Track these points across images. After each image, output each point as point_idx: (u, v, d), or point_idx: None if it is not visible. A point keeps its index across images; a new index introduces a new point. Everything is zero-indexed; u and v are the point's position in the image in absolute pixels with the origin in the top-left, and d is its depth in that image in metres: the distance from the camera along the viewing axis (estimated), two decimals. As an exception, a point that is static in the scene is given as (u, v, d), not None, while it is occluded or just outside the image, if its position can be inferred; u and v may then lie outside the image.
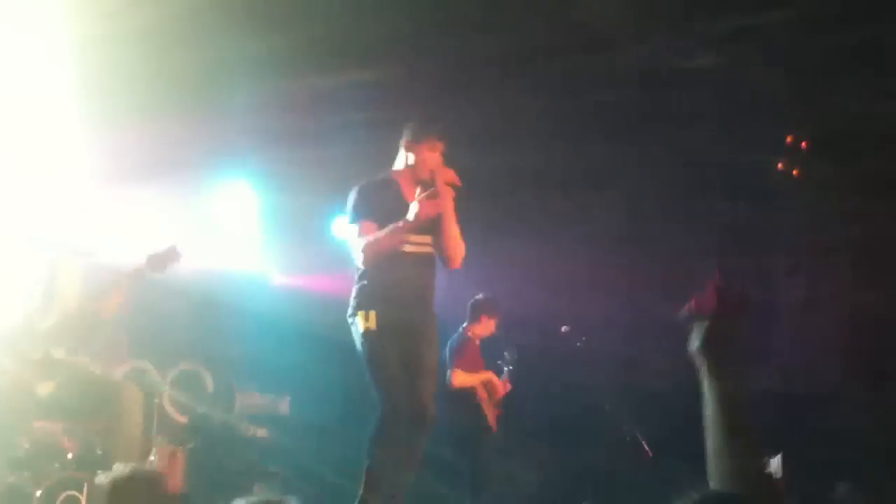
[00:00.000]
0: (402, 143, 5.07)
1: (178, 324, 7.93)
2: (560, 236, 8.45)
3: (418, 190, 4.93)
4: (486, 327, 7.25)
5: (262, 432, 7.98)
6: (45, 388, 4.43)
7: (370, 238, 4.80)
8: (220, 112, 7.07)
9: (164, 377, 7.91)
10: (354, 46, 6.47)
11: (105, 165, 6.62)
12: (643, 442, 7.40)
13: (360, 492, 4.66)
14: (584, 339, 7.73)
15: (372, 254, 4.80)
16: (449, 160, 5.02)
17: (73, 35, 5.78)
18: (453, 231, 4.94)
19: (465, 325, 7.28)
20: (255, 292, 8.62)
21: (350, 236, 4.91)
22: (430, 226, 4.91)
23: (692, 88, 6.81)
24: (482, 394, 7.16)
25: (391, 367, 4.77)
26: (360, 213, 4.88)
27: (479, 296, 7.34)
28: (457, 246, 4.97)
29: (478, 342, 7.26)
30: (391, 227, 4.79)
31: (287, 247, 8.62)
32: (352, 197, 4.98)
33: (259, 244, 8.35)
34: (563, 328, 7.75)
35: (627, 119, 7.31)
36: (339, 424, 8.10)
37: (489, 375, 7.22)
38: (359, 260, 4.84)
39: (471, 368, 7.08)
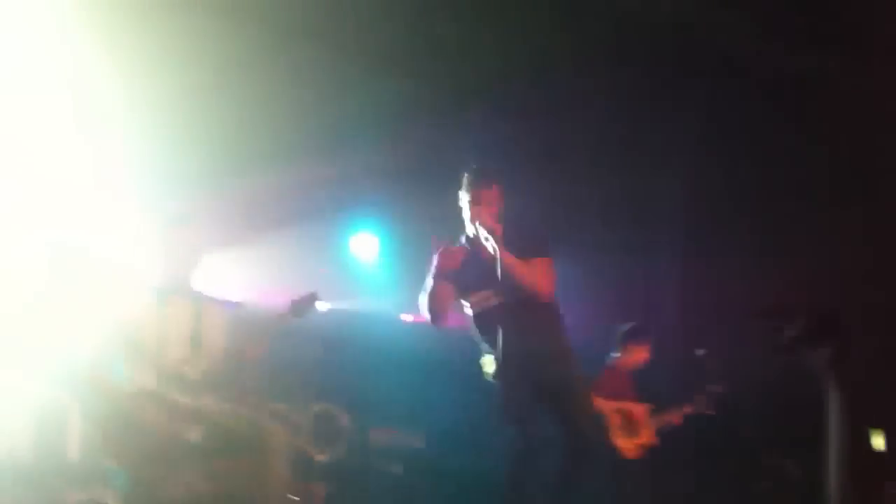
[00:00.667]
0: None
1: (311, 364, 8.11)
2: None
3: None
4: (633, 355, 7.29)
5: (397, 469, 8.07)
6: (194, 434, 4.51)
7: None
8: (348, 156, 7.23)
9: (301, 417, 8.11)
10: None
11: (236, 215, 6.94)
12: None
13: None
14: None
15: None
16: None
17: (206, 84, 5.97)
18: (517, 270, 4.88)
19: (613, 353, 7.35)
20: (386, 330, 8.77)
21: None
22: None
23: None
24: (614, 421, 7.08)
25: (520, 408, 4.83)
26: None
27: (627, 325, 7.36)
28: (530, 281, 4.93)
29: (626, 370, 7.28)
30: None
31: (412, 284, 8.73)
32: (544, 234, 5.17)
33: (386, 283, 8.45)
34: (699, 351, 7.60)
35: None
36: (472, 462, 8.09)
37: (627, 405, 7.12)
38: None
39: (611, 396, 7.06)
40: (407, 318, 8.92)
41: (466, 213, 5.01)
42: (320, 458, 7.93)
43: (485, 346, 5.05)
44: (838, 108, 6.79)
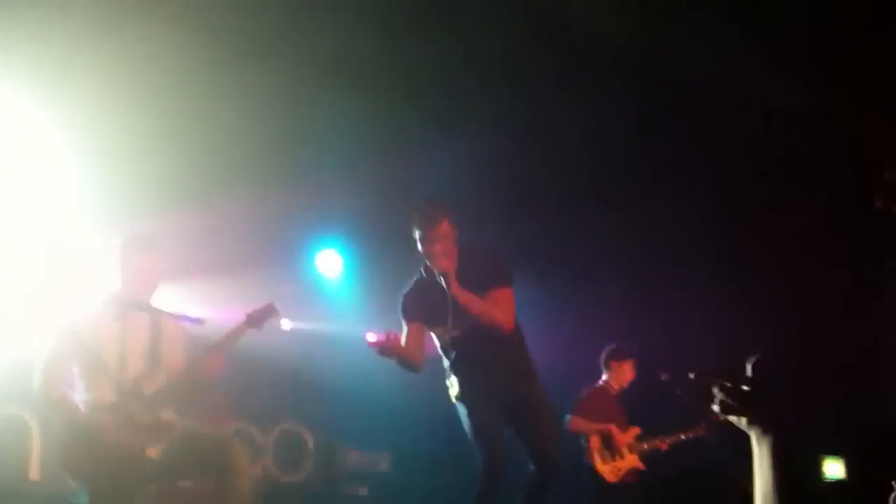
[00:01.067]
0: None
1: (277, 383, 8.05)
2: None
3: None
4: (618, 374, 7.32)
5: (362, 491, 8.02)
6: (155, 452, 4.48)
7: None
8: (313, 175, 7.20)
9: (265, 437, 8.04)
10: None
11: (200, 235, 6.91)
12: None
13: None
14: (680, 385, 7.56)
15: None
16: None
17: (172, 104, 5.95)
18: (472, 307, 4.87)
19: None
20: (351, 350, 8.71)
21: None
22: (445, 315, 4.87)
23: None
24: (594, 443, 7.10)
25: (485, 428, 4.88)
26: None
27: (610, 346, 7.43)
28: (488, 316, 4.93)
29: (613, 392, 7.31)
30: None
31: (378, 304, 8.70)
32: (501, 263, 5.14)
33: (351, 302, 8.41)
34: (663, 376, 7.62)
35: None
36: (438, 482, 8.07)
37: (607, 426, 7.12)
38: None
39: (594, 416, 7.11)
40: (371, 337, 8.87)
41: (419, 249, 4.95)
42: (284, 479, 7.88)
43: (449, 369, 5.09)
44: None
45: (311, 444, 8.15)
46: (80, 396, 4.51)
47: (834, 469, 6.29)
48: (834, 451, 6.43)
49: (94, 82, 5.62)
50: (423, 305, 4.98)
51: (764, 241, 7.42)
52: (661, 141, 7.00)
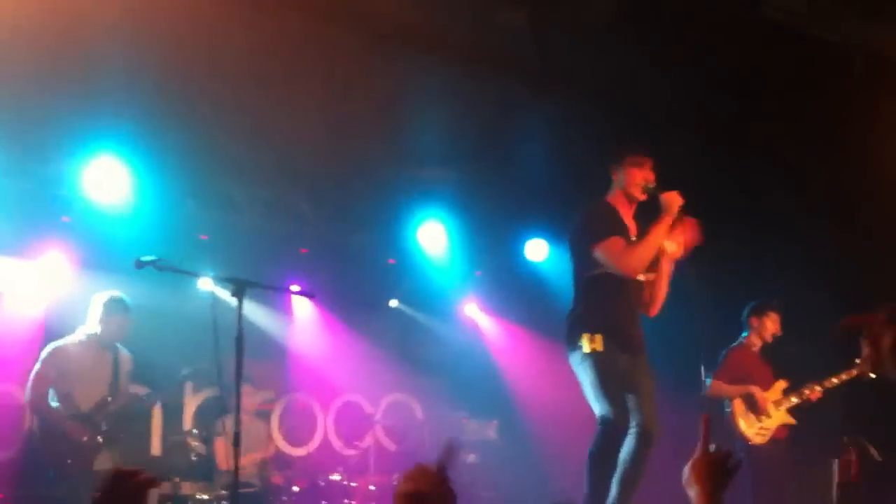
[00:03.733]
0: (611, 169, 5.17)
1: (383, 358, 8.40)
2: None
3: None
4: (759, 329, 6.93)
5: (472, 457, 8.19)
6: (102, 464, 5.70)
7: (639, 246, 4.93)
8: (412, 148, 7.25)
9: (375, 408, 8.46)
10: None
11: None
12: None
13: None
14: None
15: (646, 259, 4.96)
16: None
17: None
18: (668, 272, 5.00)
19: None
20: (455, 321, 8.85)
21: (608, 251, 4.94)
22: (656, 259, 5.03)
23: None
24: (737, 407, 6.78)
25: (615, 386, 4.88)
26: (609, 230, 4.98)
27: (753, 302, 7.05)
28: (664, 292, 5.05)
29: (755, 349, 6.94)
30: (655, 232, 4.92)
31: (481, 277, 8.70)
32: (590, 217, 5.10)
33: (453, 274, 8.48)
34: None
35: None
36: (545, 447, 8.05)
37: (751, 388, 6.77)
38: (626, 267, 4.94)
39: (736, 379, 6.77)
40: (474, 308, 8.93)
41: (631, 175, 5.08)
42: (391, 447, 8.27)
43: (589, 320, 4.97)
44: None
45: (419, 413, 8.45)
46: (56, 406, 5.83)
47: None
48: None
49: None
50: (620, 225, 5.06)
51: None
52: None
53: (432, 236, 8.10)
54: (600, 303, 4.95)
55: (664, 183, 5.07)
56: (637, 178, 5.05)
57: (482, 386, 8.42)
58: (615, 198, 5.13)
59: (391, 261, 8.42)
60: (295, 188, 7.38)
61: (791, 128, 6.46)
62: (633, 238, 5.04)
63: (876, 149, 6.13)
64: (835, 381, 6.65)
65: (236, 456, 4.41)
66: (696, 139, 6.75)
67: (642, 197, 5.09)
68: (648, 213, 5.10)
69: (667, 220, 4.93)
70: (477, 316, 8.98)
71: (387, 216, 7.91)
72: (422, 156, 7.26)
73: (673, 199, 4.94)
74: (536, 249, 8.33)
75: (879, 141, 5.96)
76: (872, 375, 6.46)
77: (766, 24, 5.62)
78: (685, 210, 4.99)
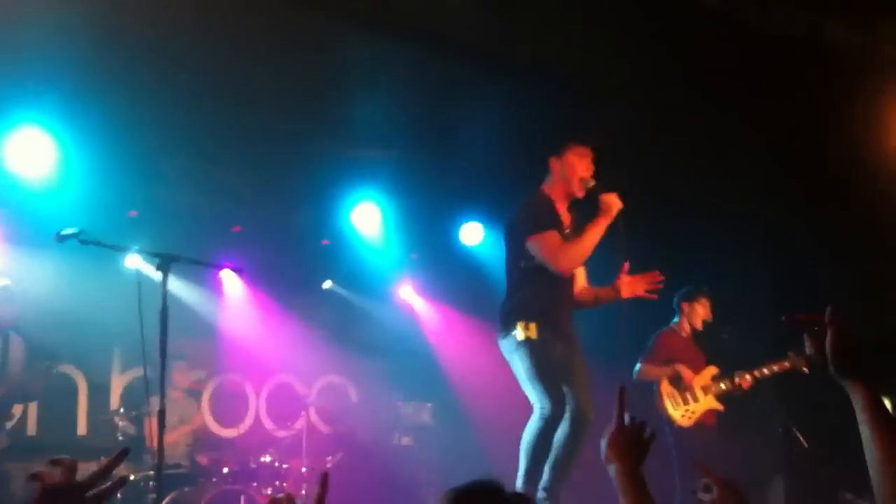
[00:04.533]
0: (551, 159, 5.16)
1: (319, 339, 8.31)
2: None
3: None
4: (690, 315, 7.01)
5: (406, 440, 8.17)
6: None
7: (574, 245, 4.94)
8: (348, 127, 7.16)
9: (309, 390, 8.38)
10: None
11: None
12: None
13: (519, 489, 4.82)
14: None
15: (580, 258, 4.99)
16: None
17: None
18: (592, 242, 4.95)
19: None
20: (390, 304, 8.81)
21: (544, 245, 4.95)
22: None
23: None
24: (664, 388, 6.83)
25: (550, 374, 4.89)
26: (546, 223, 4.98)
27: (684, 288, 7.11)
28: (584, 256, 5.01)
29: (685, 334, 7.01)
30: (591, 233, 4.92)
31: (416, 260, 8.65)
32: (527, 208, 5.10)
33: (388, 256, 8.42)
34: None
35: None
36: (479, 431, 8.07)
37: (678, 367, 6.82)
38: (561, 265, 4.95)
39: (664, 361, 6.83)
40: (408, 292, 8.88)
41: (571, 166, 5.11)
42: (326, 430, 8.19)
43: (524, 308, 4.99)
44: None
45: (354, 397, 8.40)
46: None
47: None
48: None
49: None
50: (557, 219, 5.08)
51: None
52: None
53: (368, 217, 8.01)
54: (536, 293, 4.98)
55: (605, 172, 5.09)
56: (578, 169, 5.05)
57: (417, 369, 8.40)
58: (553, 188, 5.13)
59: (325, 241, 8.33)
60: (228, 165, 7.25)
61: (732, 116, 6.52)
62: (567, 230, 5.05)
63: (815, 136, 6.24)
64: (766, 371, 6.74)
65: (160, 434, 4.30)
66: (639, 126, 6.77)
67: (581, 194, 5.09)
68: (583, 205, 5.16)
69: (603, 222, 4.94)
70: (412, 298, 8.94)
71: (322, 196, 7.81)
72: (359, 135, 7.17)
73: (612, 202, 4.96)
74: (472, 233, 8.31)
75: (821, 128, 6.05)
76: (805, 370, 6.62)
77: (717, 14, 5.65)
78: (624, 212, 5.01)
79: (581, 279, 5.32)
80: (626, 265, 5.17)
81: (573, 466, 4.97)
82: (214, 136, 6.78)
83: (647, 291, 5.18)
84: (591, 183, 5.07)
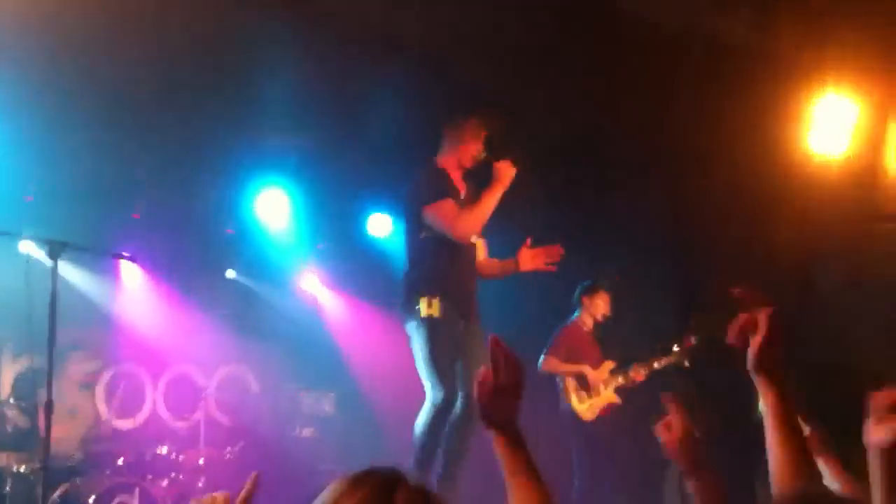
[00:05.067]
0: (445, 128, 5.21)
1: (219, 328, 8.18)
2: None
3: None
4: (591, 309, 7.11)
5: (308, 431, 8.11)
6: None
7: (470, 213, 4.95)
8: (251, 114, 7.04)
9: (208, 380, 8.25)
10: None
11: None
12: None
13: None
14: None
15: (477, 225, 4.99)
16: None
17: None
18: (488, 208, 4.98)
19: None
20: (293, 294, 8.74)
21: (440, 214, 4.96)
22: None
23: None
24: (569, 384, 6.97)
25: (447, 357, 4.87)
26: (441, 192, 4.98)
27: (585, 282, 7.24)
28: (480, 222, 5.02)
29: (586, 328, 7.12)
30: (486, 199, 4.94)
31: (323, 248, 8.60)
32: (422, 178, 5.11)
33: (293, 245, 8.34)
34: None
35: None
36: (382, 420, 8.06)
37: (579, 368, 6.91)
38: (458, 232, 4.95)
39: (568, 357, 6.94)
40: (313, 280, 8.82)
41: (466, 143, 5.15)
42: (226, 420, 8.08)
43: (426, 282, 4.98)
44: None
45: (255, 386, 8.30)
46: None
47: None
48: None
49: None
50: (453, 189, 5.07)
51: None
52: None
53: (273, 206, 7.92)
54: (437, 264, 4.99)
55: (500, 153, 5.14)
56: (470, 145, 5.11)
57: (319, 359, 8.33)
58: (447, 160, 5.17)
59: (229, 230, 8.19)
60: (128, 152, 7.06)
61: (627, 110, 6.64)
62: (464, 199, 5.08)
63: (704, 134, 6.40)
64: (655, 365, 6.97)
65: (48, 425, 4.16)
66: (537, 114, 6.84)
67: (469, 164, 5.15)
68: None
69: (499, 189, 5.00)
70: (316, 289, 8.86)
71: (227, 184, 7.69)
72: (265, 123, 7.06)
73: (505, 170, 5.01)
74: (380, 225, 8.28)
75: (712, 125, 6.21)
76: (687, 364, 6.86)
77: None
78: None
79: (481, 252, 5.34)
80: (529, 240, 5.27)
81: (467, 454, 4.95)
82: (114, 122, 6.60)
83: (546, 264, 5.27)
84: (482, 154, 5.13)
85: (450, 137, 5.17)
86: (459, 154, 5.12)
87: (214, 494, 1.94)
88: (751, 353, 2.15)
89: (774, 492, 2.05)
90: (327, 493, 1.64)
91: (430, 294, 4.89)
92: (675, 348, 6.93)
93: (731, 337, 2.18)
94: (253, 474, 1.98)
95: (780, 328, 2.14)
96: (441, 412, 4.85)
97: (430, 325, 4.88)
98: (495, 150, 5.14)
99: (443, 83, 6.38)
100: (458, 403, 4.90)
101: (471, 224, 4.98)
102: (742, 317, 2.16)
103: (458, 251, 5.02)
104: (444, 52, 6.08)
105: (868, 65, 5.91)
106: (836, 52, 5.79)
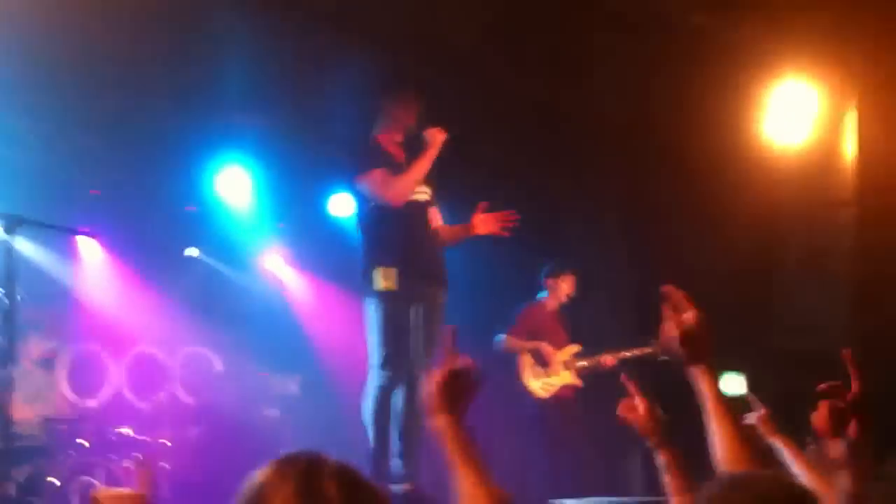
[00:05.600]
0: (382, 104, 5.39)
1: (181, 309, 8.13)
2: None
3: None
4: (555, 290, 7.17)
5: (273, 412, 8.12)
6: None
7: (400, 178, 5.10)
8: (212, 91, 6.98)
9: (172, 360, 8.20)
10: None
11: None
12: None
13: (371, 462, 4.89)
14: None
15: (408, 190, 5.11)
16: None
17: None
18: (418, 173, 5.14)
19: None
20: (257, 273, 8.71)
21: (371, 182, 5.14)
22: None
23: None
24: (525, 360, 6.99)
25: (395, 331, 4.94)
26: (372, 163, 5.13)
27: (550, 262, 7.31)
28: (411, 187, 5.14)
29: (550, 309, 7.17)
30: (417, 165, 5.12)
31: (285, 228, 8.57)
32: (356, 152, 5.33)
33: (256, 225, 8.31)
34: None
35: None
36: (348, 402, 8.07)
37: (536, 344, 6.95)
38: (388, 196, 5.08)
39: (529, 335, 7.00)
40: (276, 260, 8.80)
41: (398, 115, 5.33)
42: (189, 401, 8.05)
43: (382, 250, 5.09)
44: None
45: (218, 367, 8.27)
46: None
47: (735, 385, 6.13)
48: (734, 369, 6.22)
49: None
50: (388, 159, 5.20)
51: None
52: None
53: (235, 185, 7.88)
54: (387, 231, 5.11)
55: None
56: (402, 116, 5.30)
57: (284, 340, 8.31)
58: (383, 133, 5.32)
59: (191, 207, 8.14)
60: (87, 127, 6.98)
61: (584, 91, 6.69)
62: (404, 167, 5.21)
63: (662, 120, 6.47)
64: (627, 354, 7.04)
65: (6, 404, 4.14)
66: (496, 103, 6.88)
67: (401, 137, 5.33)
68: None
69: (430, 155, 5.15)
70: (279, 268, 8.84)
71: (188, 162, 7.63)
72: (225, 100, 7.01)
73: (435, 135, 5.17)
74: (341, 204, 8.25)
75: (671, 111, 6.27)
76: (664, 358, 6.93)
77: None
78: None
79: (436, 219, 5.45)
80: (483, 205, 5.41)
81: (421, 430, 4.93)
82: (73, 96, 6.52)
83: (501, 229, 5.39)
84: (412, 124, 5.30)
85: (385, 111, 5.36)
86: (392, 126, 5.29)
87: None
88: (683, 346, 2.22)
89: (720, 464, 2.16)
90: (253, 488, 1.62)
91: (386, 264, 4.96)
92: (652, 341, 6.89)
93: (666, 331, 2.26)
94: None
95: (706, 322, 2.21)
96: (383, 391, 4.93)
97: (380, 298, 4.95)
98: (428, 122, 5.28)
99: (398, 59, 6.40)
100: (404, 384, 4.98)
101: (400, 189, 5.11)
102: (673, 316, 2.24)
103: (408, 217, 5.13)
104: (401, 28, 6.10)
105: (825, 51, 6.01)
106: (793, 39, 5.88)
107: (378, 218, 5.13)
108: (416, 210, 5.18)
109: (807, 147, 6.43)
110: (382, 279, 4.93)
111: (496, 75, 6.56)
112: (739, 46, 5.94)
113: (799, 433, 2.99)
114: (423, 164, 5.13)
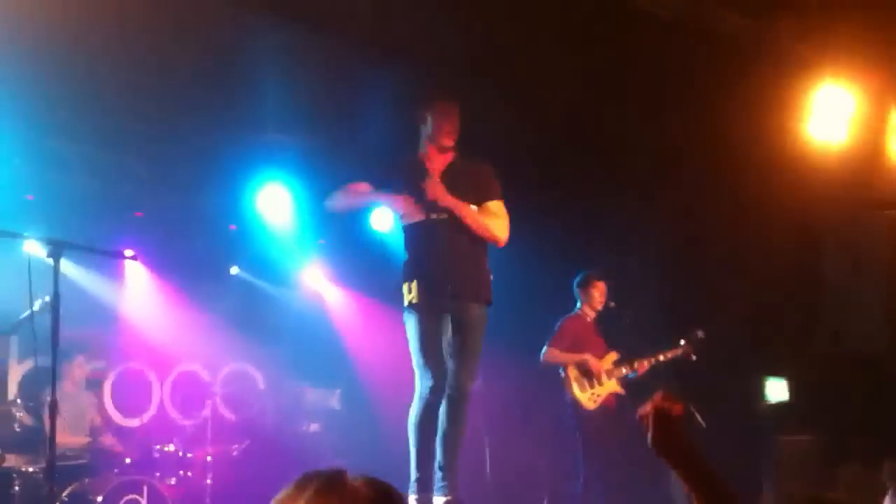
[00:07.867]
0: (418, 120, 5.12)
1: (223, 326, 8.19)
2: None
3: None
4: (590, 300, 7.13)
5: (315, 427, 8.15)
6: None
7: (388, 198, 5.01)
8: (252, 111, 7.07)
9: (214, 377, 8.27)
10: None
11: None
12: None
13: (412, 474, 4.81)
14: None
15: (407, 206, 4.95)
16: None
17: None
18: (466, 213, 4.92)
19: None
20: (298, 290, 8.76)
21: (392, 203, 5.06)
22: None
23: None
24: (571, 373, 6.96)
25: (430, 341, 4.85)
26: (400, 189, 4.99)
27: (585, 271, 7.24)
28: (481, 228, 4.94)
29: (589, 319, 7.14)
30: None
31: (325, 244, 8.61)
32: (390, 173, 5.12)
33: (296, 242, 8.35)
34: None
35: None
36: (388, 416, 8.08)
37: (582, 357, 6.93)
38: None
39: (571, 347, 6.96)
40: (318, 277, 8.83)
41: (438, 124, 4.99)
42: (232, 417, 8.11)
43: (407, 267, 5.00)
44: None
45: (261, 383, 8.32)
46: None
47: (778, 390, 6.03)
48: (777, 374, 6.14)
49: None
50: (410, 181, 4.99)
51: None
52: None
53: (275, 203, 7.92)
54: (410, 250, 5.02)
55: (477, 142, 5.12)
56: (444, 126, 4.99)
57: (324, 355, 8.35)
58: (424, 151, 5.08)
59: (232, 227, 8.21)
60: (129, 150, 7.08)
61: (619, 103, 6.65)
62: (440, 175, 4.99)
63: (704, 124, 6.41)
64: (661, 357, 7.00)
65: (52, 425, 4.18)
66: (532, 114, 6.85)
67: (450, 142, 5.01)
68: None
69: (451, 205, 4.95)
70: (320, 284, 8.88)
71: (229, 181, 7.69)
72: (266, 120, 7.08)
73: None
74: (382, 219, 8.27)
75: (707, 115, 6.21)
76: (693, 357, 6.89)
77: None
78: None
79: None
80: None
81: (462, 440, 4.93)
82: (116, 119, 6.62)
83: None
84: (447, 144, 5.02)
85: (422, 128, 5.10)
86: (433, 139, 5.01)
87: None
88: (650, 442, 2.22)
89: None
90: (278, 499, 1.64)
91: (409, 279, 4.92)
92: (682, 342, 6.95)
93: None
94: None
95: (670, 421, 2.21)
96: (429, 402, 4.83)
97: (411, 310, 4.89)
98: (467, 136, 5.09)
99: (435, 80, 6.41)
100: (446, 397, 4.86)
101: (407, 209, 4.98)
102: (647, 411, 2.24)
103: (428, 234, 4.96)
104: (437, 50, 6.10)
105: (866, 54, 5.92)
106: (834, 42, 5.80)
107: (408, 236, 5.06)
108: (432, 228, 4.99)
109: (850, 149, 6.33)
110: (406, 292, 4.92)
111: (533, 90, 6.55)
112: (780, 50, 5.87)
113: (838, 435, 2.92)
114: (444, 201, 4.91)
